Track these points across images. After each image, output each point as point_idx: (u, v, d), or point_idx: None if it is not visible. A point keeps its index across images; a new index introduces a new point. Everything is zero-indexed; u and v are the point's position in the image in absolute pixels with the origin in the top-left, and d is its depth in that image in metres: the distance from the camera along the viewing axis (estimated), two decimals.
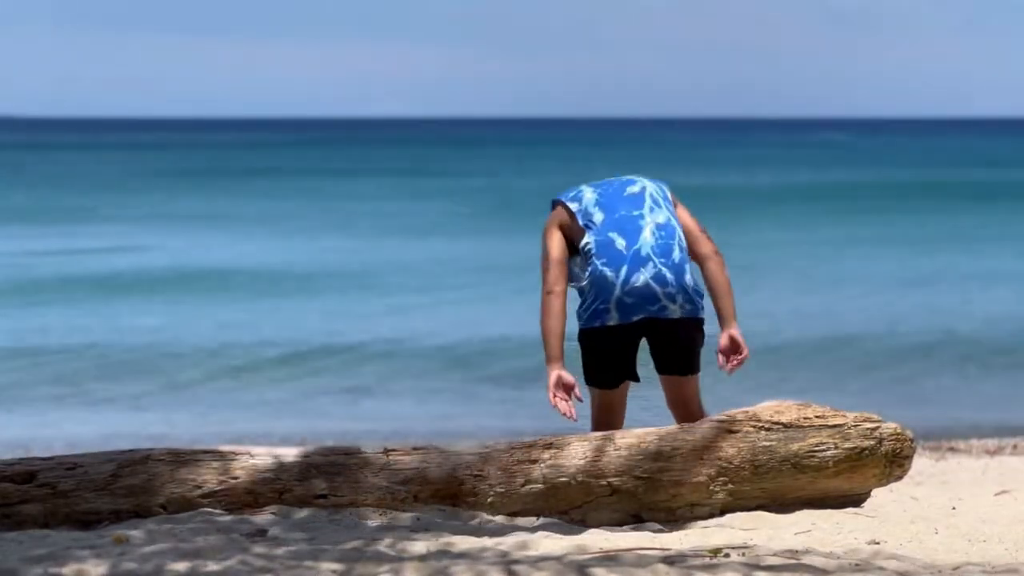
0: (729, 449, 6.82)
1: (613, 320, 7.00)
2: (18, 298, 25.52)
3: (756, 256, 29.60)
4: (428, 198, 52.82)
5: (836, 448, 6.88)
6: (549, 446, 6.81)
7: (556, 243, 7.07)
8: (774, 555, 5.78)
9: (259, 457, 6.71)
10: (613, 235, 6.99)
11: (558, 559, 5.56)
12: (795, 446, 6.86)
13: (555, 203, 7.22)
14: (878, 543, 6.16)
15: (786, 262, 31.28)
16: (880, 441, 6.94)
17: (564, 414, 6.99)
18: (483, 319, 23.03)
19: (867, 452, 6.92)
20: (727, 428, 6.89)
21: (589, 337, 7.07)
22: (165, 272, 29.63)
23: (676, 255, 7.00)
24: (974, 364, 18.87)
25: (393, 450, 6.82)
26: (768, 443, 6.84)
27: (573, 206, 7.11)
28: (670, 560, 5.58)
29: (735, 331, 7.09)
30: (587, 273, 7.02)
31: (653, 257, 6.96)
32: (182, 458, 6.64)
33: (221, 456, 6.68)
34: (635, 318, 6.99)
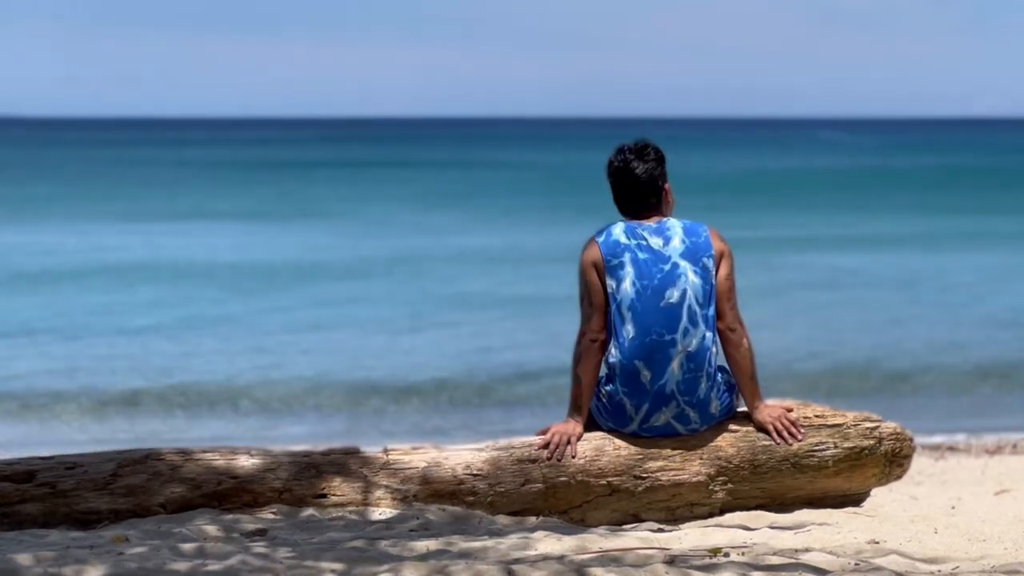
0: (729, 449, 6.82)
1: (628, 430, 6.89)
2: (17, 293, 25.51)
3: (754, 253, 29.59)
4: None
5: (836, 447, 6.88)
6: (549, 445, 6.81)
7: (597, 289, 6.75)
8: (774, 555, 5.78)
9: (259, 457, 6.70)
10: (639, 364, 6.72)
11: (558, 559, 5.56)
12: (795, 445, 6.86)
13: (591, 242, 6.83)
14: (878, 543, 6.16)
15: (784, 259, 31.26)
16: (880, 440, 6.95)
17: (548, 456, 6.74)
18: (485, 318, 23.02)
19: (866, 452, 6.92)
20: (727, 428, 6.90)
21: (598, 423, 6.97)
22: (172, 266, 29.61)
23: (702, 389, 6.77)
24: (976, 363, 18.85)
25: (393, 450, 6.82)
26: (768, 443, 6.85)
27: (608, 260, 6.73)
28: (670, 560, 5.58)
29: (762, 415, 6.86)
30: (607, 385, 6.80)
31: (677, 396, 6.74)
32: (182, 458, 6.64)
33: (220, 456, 6.68)
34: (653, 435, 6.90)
